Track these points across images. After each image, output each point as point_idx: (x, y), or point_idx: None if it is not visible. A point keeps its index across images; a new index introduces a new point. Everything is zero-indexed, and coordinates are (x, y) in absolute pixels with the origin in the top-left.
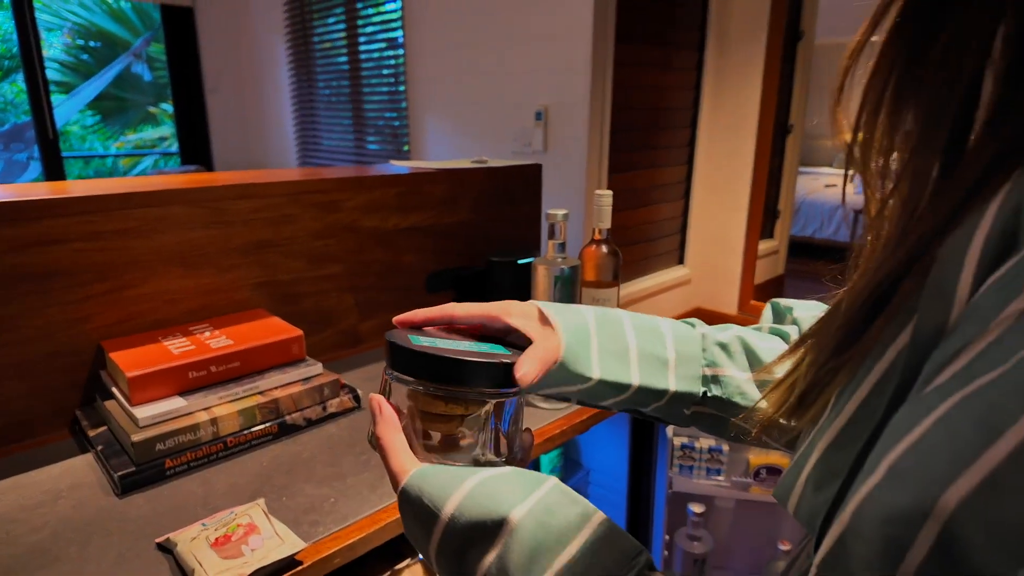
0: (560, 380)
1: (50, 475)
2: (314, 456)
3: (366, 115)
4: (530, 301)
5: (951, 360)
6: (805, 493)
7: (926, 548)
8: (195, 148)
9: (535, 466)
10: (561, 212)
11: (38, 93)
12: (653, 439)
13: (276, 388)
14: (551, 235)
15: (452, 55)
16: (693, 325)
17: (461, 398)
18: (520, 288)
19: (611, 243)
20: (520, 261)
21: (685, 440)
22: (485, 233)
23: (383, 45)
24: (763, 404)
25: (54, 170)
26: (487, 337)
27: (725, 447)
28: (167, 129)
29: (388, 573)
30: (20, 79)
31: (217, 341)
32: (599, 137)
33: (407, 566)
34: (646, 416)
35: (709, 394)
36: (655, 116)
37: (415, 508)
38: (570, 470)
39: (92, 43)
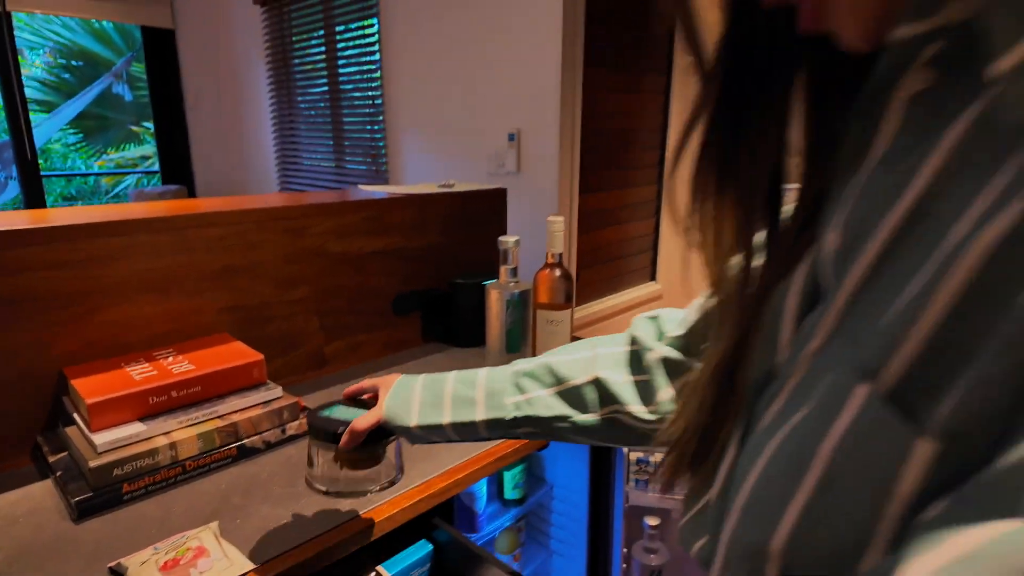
0: (398, 432)
1: (8, 500)
2: (271, 477)
3: (345, 136)
4: (403, 377)
5: (771, 402)
6: (700, 541)
7: None
8: (176, 167)
9: (498, 480)
10: (512, 239)
11: (16, 113)
12: (612, 454)
13: (235, 412)
14: (503, 260)
15: (428, 78)
16: (515, 365)
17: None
18: (484, 309)
19: (563, 267)
20: (485, 283)
21: (640, 455)
22: (453, 256)
23: (362, 67)
24: (663, 465)
25: (33, 190)
26: None
27: None
28: (150, 148)
29: None
30: None
31: (179, 366)
32: (570, 158)
33: None
34: (500, 437)
35: (520, 415)
36: (625, 137)
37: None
38: (534, 485)
39: (74, 63)
